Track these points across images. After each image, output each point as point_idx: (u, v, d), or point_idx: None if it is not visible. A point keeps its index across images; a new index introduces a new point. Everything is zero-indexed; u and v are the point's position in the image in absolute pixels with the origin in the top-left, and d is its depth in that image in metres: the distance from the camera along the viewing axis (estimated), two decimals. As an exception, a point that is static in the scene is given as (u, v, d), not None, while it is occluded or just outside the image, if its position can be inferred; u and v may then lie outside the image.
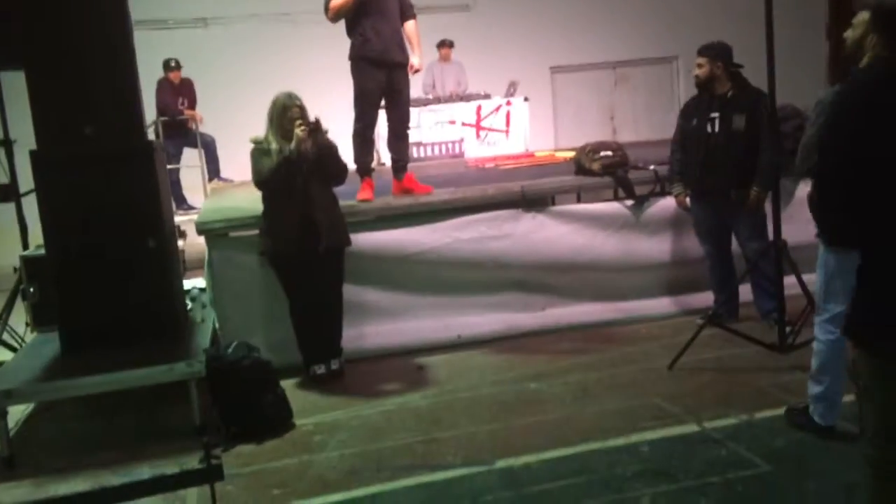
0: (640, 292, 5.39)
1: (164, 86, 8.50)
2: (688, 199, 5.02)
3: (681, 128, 5.04)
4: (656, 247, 5.39)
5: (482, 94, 9.48)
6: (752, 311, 4.93)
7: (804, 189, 5.23)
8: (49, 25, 4.15)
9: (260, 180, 4.39)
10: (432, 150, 9.07)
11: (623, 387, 4.11)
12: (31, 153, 4.13)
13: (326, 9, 5.09)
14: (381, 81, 5.17)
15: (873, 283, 2.02)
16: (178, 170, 8.41)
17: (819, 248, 3.25)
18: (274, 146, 4.34)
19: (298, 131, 4.26)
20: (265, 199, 4.49)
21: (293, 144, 4.28)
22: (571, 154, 6.87)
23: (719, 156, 4.73)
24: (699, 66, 4.80)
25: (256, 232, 4.66)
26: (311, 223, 4.33)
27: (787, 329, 4.28)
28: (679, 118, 5.13)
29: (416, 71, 5.46)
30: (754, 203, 4.62)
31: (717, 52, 4.75)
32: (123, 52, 4.28)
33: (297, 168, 4.32)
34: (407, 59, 5.29)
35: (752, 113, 4.59)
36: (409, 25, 5.33)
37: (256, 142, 4.44)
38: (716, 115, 4.76)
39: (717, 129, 4.75)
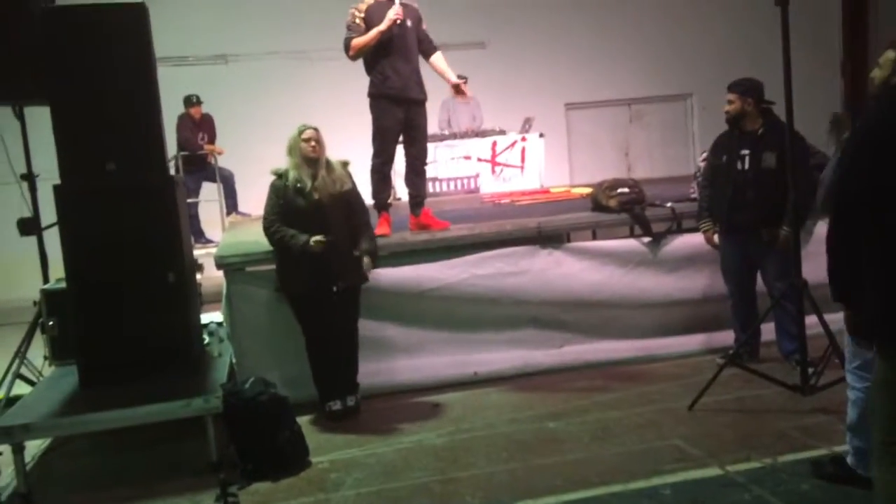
0: (659, 330, 5.34)
1: (184, 121, 8.62)
2: (716, 236, 4.98)
3: (710, 163, 5.02)
4: (674, 284, 5.36)
5: (497, 129, 9.54)
6: (774, 351, 4.88)
7: (823, 227, 5.21)
8: (74, 62, 4.22)
9: (267, 237, 4.44)
10: (448, 185, 9.12)
11: (643, 427, 4.05)
12: (55, 187, 4.18)
13: (347, 48, 5.15)
14: (400, 118, 5.22)
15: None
16: (196, 204, 8.49)
17: None
18: (292, 175, 4.36)
19: (313, 242, 4.29)
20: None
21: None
22: (587, 190, 6.89)
23: (749, 193, 4.69)
24: (730, 101, 4.77)
25: (273, 267, 4.67)
26: (326, 263, 4.33)
27: (810, 370, 4.22)
28: (709, 154, 5.11)
29: (462, 87, 5.52)
30: (784, 242, 4.57)
31: (747, 89, 4.74)
32: (146, 89, 4.33)
33: (312, 208, 4.33)
34: (425, 96, 5.34)
35: (783, 151, 4.49)
36: (436, 58, 5.41)
37: (277, 173, 4.47)
38: (746, 151, 4.72)
39: (747, 166, 4.72)
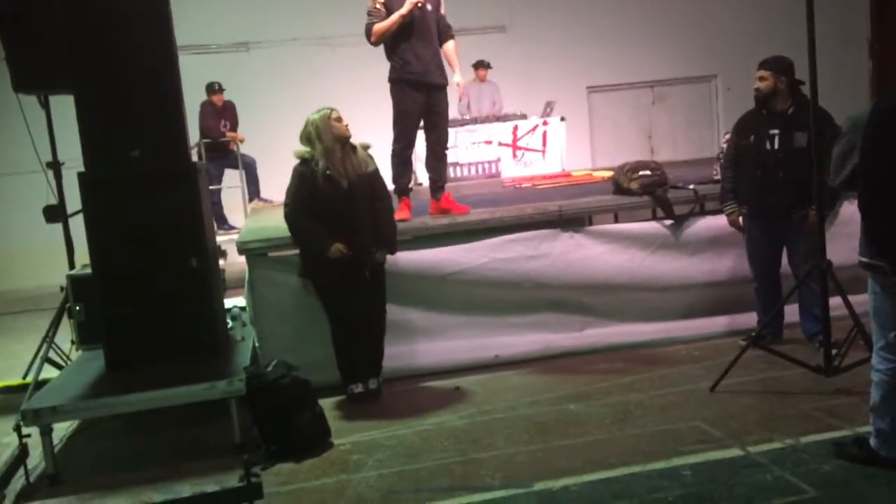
0: (681, 313, 5.32)
1: (207, 109, 8.68)
2: (740, 219, 4.92)
3: (735, 144, 4.91)
4: (696, 266, 5.32)
5: (519, 114, 9.51)
6: (797, 333, 4.83)
7: (848, 208, 5.15)
8: (97, 51, 4.27)
9: (288, 224, 4.43)
10: (469, 170, 9.12)
11: (664, 409, 4.04)
12: (79, 175, 4.24)
13: (368, 34, 5.14)
14: (421, 103, 5.22)
15: None
16: (219, 190, 8.56)
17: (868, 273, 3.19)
18: (322, 164, 4.32)
19: (333, 250, 4.30)
20: None
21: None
22: (609, 174, 6.84)
23: (780, 174, 4.59)
24: (762, 79, 4.65)
25: (296, 252, 4.69)
26: (354, 251, 4.33)
27: (833, 352, 4.17)
28: (733, 134, 5.00)
29: (461, 89, 5.50)
30: (815, 223, 4.50)
31: (782, 67, 4.62)
32: (169, 77, 4.37)
33: (340, 194, 4.32)
34: (446, 80, 5.32)
35: (814, 130, 4.32)
36: (449, 46, 5.38)
37: (301, 155, 4.41)
38: (776, 131, 4.63)
39: (776, 146, 4.63)
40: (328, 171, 4.32)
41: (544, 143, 9.35)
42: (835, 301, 4.18)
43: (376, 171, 4.54)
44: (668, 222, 5.36)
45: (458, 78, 5.42)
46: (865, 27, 12.06)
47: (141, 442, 4.23)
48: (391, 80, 5.27)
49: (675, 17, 11.52)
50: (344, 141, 4.38)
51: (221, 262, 6.88)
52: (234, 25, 10.37)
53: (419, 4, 5.03)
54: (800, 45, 4.13)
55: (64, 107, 4.77)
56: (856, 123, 3.14)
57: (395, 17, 5.03)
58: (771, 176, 4.66)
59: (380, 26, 5.08)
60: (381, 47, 5.26)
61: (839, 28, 10.98)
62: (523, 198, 6.32)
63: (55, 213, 5.13)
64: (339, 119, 4.39)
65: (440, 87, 5.29)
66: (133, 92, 4.30)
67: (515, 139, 9.29)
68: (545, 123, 9.31)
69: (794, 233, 4.67)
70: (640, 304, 5.30)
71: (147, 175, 4.28)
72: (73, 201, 4.58)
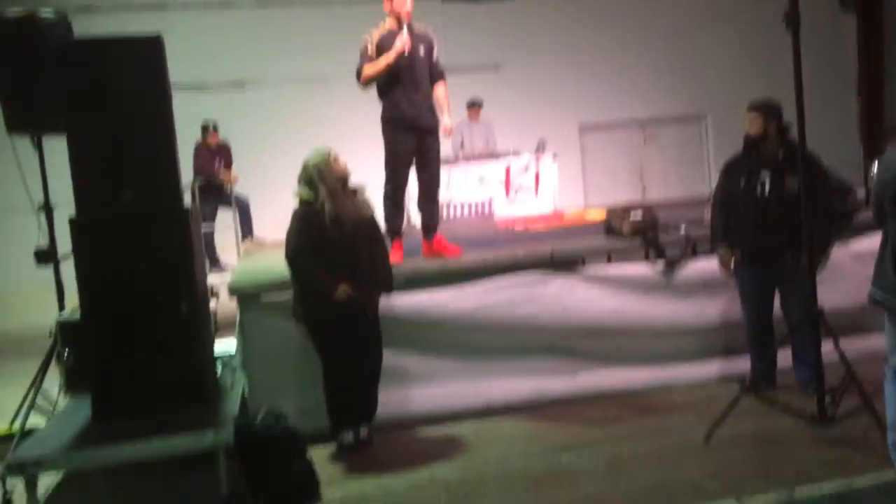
0: (674, 357, 5.28)
1: (201, 150, 8.69)
2: (732, 262, 4.90)
3: (723, 187, 4.91)
4: (689, 310, 5.31)
5: (511, 152, 9.55)
6: (791, 378, 4.81)
7: (839, 252, 5.17)
8: (90, 94, 4.26)
9: (291, 267, 4.38)
10: (462, 209, 9.13)
11: (658, 459, 4.00)
12: (70, 220, 4.21)
13: (358, 75, 5.17)
14: (412, 144, 5.23)
15: None
16: (212, 230, 8.54)
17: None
18: (328, 207, 4.29)
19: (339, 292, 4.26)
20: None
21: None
22: (601, 215, 6.86)
23: (773, 218, 4.60)
24: (752, 121, 4.68)
25: (289, 295, 4.64)
26: (352, 301, 4.30)
27: (827, 400, 4.16)
28: (721, 177, 5.00)
29: (449, 132, 5.49)
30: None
31: (772, 110, 4.65)
32: (162, 118, 4.35)
33: (344, 236, 4.30)
34: (437, 122, 5.34)
35: (804, 174, 4.35)
36: (439, 89, 5.39)
37: (305, 197, 4.35)
38: (766, 175, 4.65)
39: (767, 190, 4.64)
40: (335, 214, 4.29)
41: (537, 182, 9.39)
42: (829, 346, 4.18)
43: (374, 216, 4.54)
44: (660, 265, 5.36)
45: (446, 120, 5.41)
46: (853, 64, 12.22)
47: (127, 493, 4.15)
48: (383, 119, 5.29)
49: (666, 56, 11.65)
50: (345, 181, 4.38)
51: (213, 302, 6.83)
52: (229, 64, 10.42)
53: (405, 52, 5.05)
54: (788, 83, 4.16)
55: (56, 146, 4.76)
56: (888, 166, 3.32)
57: (381, 62, 5.06)
58: (763, 220, 4.67)
59: (368, 70, 5.11)
60: (374, 87, 5.29)
61: (827, 66, 11.12)
62: (516, 240, 6.32)
63: (46, 256, 5.10)
64: (337, 159, 4.39)
65: (431, 129, 5.30)
66: (126, 135, 4.28)
67: (508, 177, 9.32)
68: (537, 161, 9.36)
69: (787, 277, 4.66)
70: (633, 348, 5.27)
71: (138, 218, 4.25)
72: (65, 242, 4.55)
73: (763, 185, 4.68)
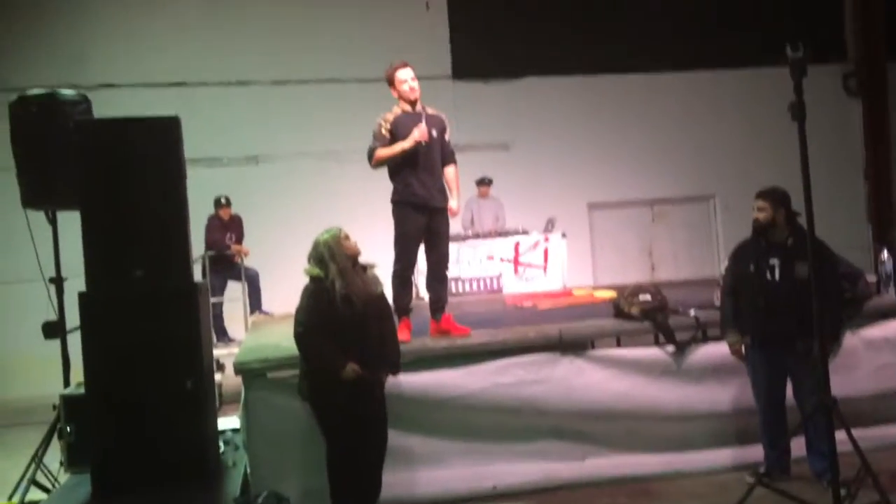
0: (684, 444, 5.17)
1: (213, 222, 8.80)
2: (743, 347, 4.85)
3: (732, 272, 4.91)
4: (699, 395, 5.22)
5: (520, 229, 9.62)
6: (806, 467, 4.69)
7: (851, 339, 5.12)
8: (106, 172, 4.37)
9: (300, 345, 4.35)
10: (471, 285, 9.13)
11: (668, 551, 3.88)
12: (80, 295, 4.25)
13: (370, 157, 5.23)
14: (422, 225, 5.26)
15: None
16: (221, 303, 8.56)
17: None
18: (339, 284, 4.26)
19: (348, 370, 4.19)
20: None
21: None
22: (610, 294, 6.85)
23: (782, 304, 4.57)
24: (760, 209, 4.71)
25: (295, 373, 4.60)
26: (363, 380, 4.25)
27: (842, 492, 4.04)
28: (730, 262, 5.01)
29: (455, 214, 5.52)
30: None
31: (780, 199, 4.69)
32: (176, 198, 4.45)
33: (354, 315, 4.26)
34: (447, 203, 5.40)
35: (814, 261, 4.20)
36: (450, 171, 5.44)
37: (315, 274, 4.32)
38: (776, 261, 4.65)
39: (777, 276, 4.64)
40: (345, 292, 4.28)
41: (546, 259, 9.43)
42: (844, 434, 4.08)
43: (383, 293, 4.53)
44: (670, 349, 5.31)
45: (453, 203, 5.43)
46: (860, 149, 12.37)
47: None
48: (393, 201, 5.33)
49: (674, 136, 11.86)
50: (355, 259, 4.39)
51: (218, 376, 6.81)
52: (244, 139, 10.68)
53: (423, 143, 5.11)
54: (796, 164, 4.18)
55: (69, 217, 4.83)
56: None
57: (397, 148, 5.10)
58: (773, 306, 4.64)
59: (382, 153, 5.17)
60: (385, 167, 5.34)
61: (834, 150, 11.26)
62: (524, 319, 6.30)
63: (54, 330, 5.11)
64: (347, 238, 4.41)
65: (441, 210, 5.35)
66: (139, 213, 4.37)
67: (517, 255, 9.37)
68: (546, 239, 9.41)
69: (799, 364, 4.60)
70: (642, 433, 5.17)
71: (148, 295, 4.30)
72: (73, 314, 4.56)
73: (773, 270, 4.68)
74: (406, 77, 5.20)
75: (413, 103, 5.24)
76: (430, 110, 5.34)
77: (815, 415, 4.21)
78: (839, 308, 4.59)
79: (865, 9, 12.30)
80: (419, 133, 5.08)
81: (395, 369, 4.53)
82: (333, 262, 4.31)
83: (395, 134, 5.16)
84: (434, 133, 5.27)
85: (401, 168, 5.22)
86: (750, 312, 4.77)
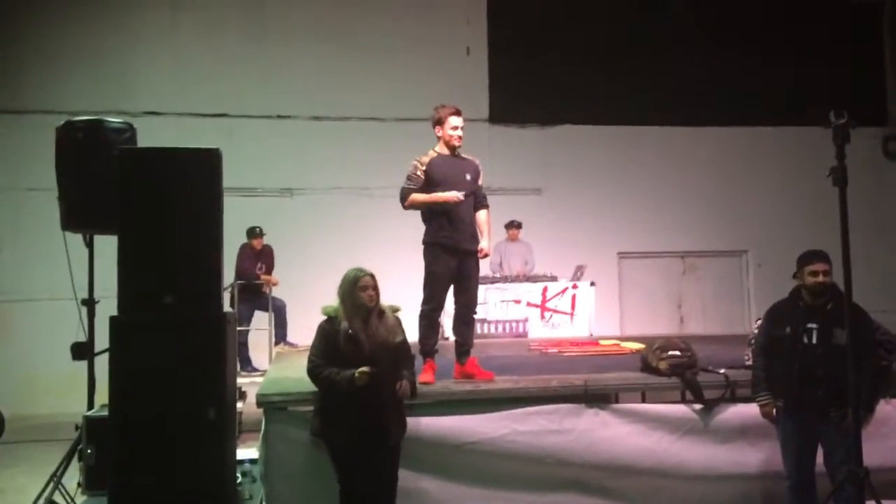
0: (709, 504, 5.06)
1: (245, 251, 8.89)
2: (774, 410, 4.74)
3: (767, 333, 4.79)
4: (726, 456, 5.09)
5: (549, 275, 9.60)
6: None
7: (885, 408, 4.98)
8: (145, 200, 4.45)
9: (312, 380, 4.36)
10: (497, 327, 9.13)
11: None
12: (111, 319, 4.30)
13: (403, 199, 5.25)
14: (452, 267, 5.27)
15: None
16: (247, 332, 8.61)
17: None
18: (344, 324, 4.32)
19: (358, 375, 4.18)
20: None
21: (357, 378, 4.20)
22: (637, 346, 6.77)
23: (819, 370, 4.45)
24: (825, 273, 4.55)
25: (312, 408, 4.60)
26: (375, 414, 4.25)
27: (873, 568, 3.90)
28: (765, 322, 4.88)
29: (485, 255, 5.51)
30: (851, 425, 4.30)
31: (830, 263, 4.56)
32: (211, 229, 4.52)
33: (362, 356, 4.25)
34: (477, 246, 5.41)
35: (852, 328, 4.19)
36: (482, 215, 5.46)
37: (328, 313, 4.39)
38: (814, 326, 4.53)
39: (814, 340, 4.51)
40: (350, 332, 4.30)
41: (573, 307, 9.38)
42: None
43: (403, 342, 4.49)
44: (698, 407, 5.20)
45: (484, 244, 5.44)
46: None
47: None
48: (425, 242, 5.35)
49: (708, 190, 11.80)
50: (364, 311, 4.37)
51: (240, 404, 6.81)
52: (281, 172, 10.83)
53: (458, 201, 5.12)
54: (831, 225, 4.12)
55: (106, 242, 4.90)
56: None
57: (433, 198, 5.14)
58: (808, 371, 4.51)
59: (415, 197, 5.20)
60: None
61: (868, 214, 11.11)
62: (549, 366, 6.24)
63: (82, 351, 5.17)
64: (365, 287, 4.34)
65: (472, 253, 5.36)
66: (175, 241, 4.45)
67: (544, 300, 9.34)
68: (575, 287, 9.38)
69: (832, 432, 4.47)
70: (665, 491, 5.05)
71: (177, 322, 4.35)
72: (102, 336, 4.60)
73: (810, 334, 4.56)
74: (457, 124, 5.27)
75: (453, 149, 5.29)
76: (465, 155, 5.39)
77: (845, 484, 4.09)
78: (876, 378, 4.48)
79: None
80: (454, 197, 5.12)
81: (412, 385, 4.45)
82: (343, 302, 4.36)
83: (431, 175, 5.20)
84: (468, 177, 5.31)
85: (434, 213, 5.26)
86: (783, 375, 4.65)
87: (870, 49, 12.49)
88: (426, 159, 5.26)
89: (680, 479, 5.04)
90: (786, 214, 11.59)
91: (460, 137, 5.29)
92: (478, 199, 5.44)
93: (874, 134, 12.15)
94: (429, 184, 5.20)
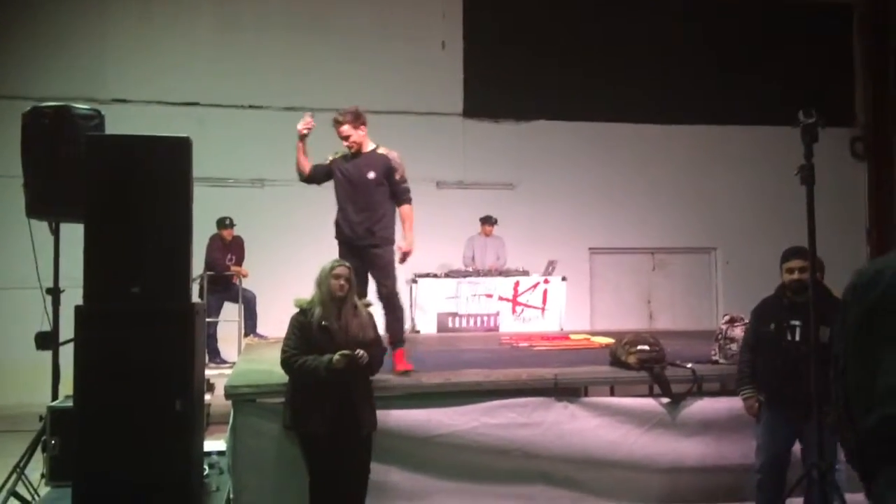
0: (675, 497, 5.11)
1: (215, 242, 8.80)
2: (757, 404, 4.77)
3: (754, 329, 4.85)
4: (693, 449, 5.17)
5: (521, 270, 9.64)
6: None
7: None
8: (113, 188, 4.37)
9: (287, 370, 4.38)
10: (468, 321, 9.14)
11: None
12: (76, 308, 4.23)
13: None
14: (356, 263, 5.02)
15: None
16: (216, 323, 8.53)
17: None
18: (317, 312, 4.33)
19: (337, 358, 4.21)
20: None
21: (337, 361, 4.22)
22: (606, 340, 6.82)
23: (801, 366, 4.44)
24: (801, 269, 4.57)
25: (282, 400, 4.58)
26: (347, 405, 4.26)
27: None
28: (752, 319, 4.92)
29: (405, 253, 5.38)
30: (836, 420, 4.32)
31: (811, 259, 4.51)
32: (180, 219, 4.44)
33: (334, 347, 4.27)
34: (378, 241, 5.29)
35: (826, 324, 4.18)
36: (403, 210, 5.40)
37: (301, 305, 4.42)
38: (797, 323, 4.58)
39: (797, 337, 4.56)
40: (323, 323, 4.31)
41: (544, 301, 9.43)
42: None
43: (375, 338, 4.52)
44: (665, 401, 5.26)
45: (401, 241, 5.37)
46: (863, 212, 12.42)
47: None
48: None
49: (679, 187, 11.90)
50: (338, 300, 4.39)
51: (208, 396, 6.75)
52: (251, 162, 10.70)
53: (302, 132, 5.36)
54: (799, 224, 4.18)
55: (72, 230, 4.82)
56: None
57: (298, 148, 5.40)
58: (792, 367, 4.54)
59: (297, 156, 5.44)
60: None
61: (836, 212, 11.28)
62: (519, 360, 6.26)
63: (46, 341, 5.08)
64: (338, 276, 4.39)
65: (366, 248, 5.26)
66: (143, 230, 4.36)
67: (516, 295, 9.37)
68: (546, 281, 9.43)
69: (812, 430, 4.50)
70: (632, 484, 5.11)
71: (144, 313, 4.27)
72: (67, 325, 4.52)
73: (793, 331, 4.60)
74: (343, 133, 5.38)
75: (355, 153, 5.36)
76: (381, 150, 5.36)
77: (807, 477, 4.16)
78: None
79: (875, 76, 12.48)
80: (301, 124, 5.37)
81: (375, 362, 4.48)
82: (318, 290, 4.42)
83: (333, 172, 5.44)
84: (371, 175, 5.25)
85: (338, 207, 5.37)
86: (767, 371, 4.69)
87: (840, 50, 12.68)
88: (332, 157, 5.45)
89: (647, 471, 5.10)
90: (754, 213, 11.74)
91: (350, 144, 5.36)
92: (397, 196, 5.35)
93: (842, 135, 12.34)
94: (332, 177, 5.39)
